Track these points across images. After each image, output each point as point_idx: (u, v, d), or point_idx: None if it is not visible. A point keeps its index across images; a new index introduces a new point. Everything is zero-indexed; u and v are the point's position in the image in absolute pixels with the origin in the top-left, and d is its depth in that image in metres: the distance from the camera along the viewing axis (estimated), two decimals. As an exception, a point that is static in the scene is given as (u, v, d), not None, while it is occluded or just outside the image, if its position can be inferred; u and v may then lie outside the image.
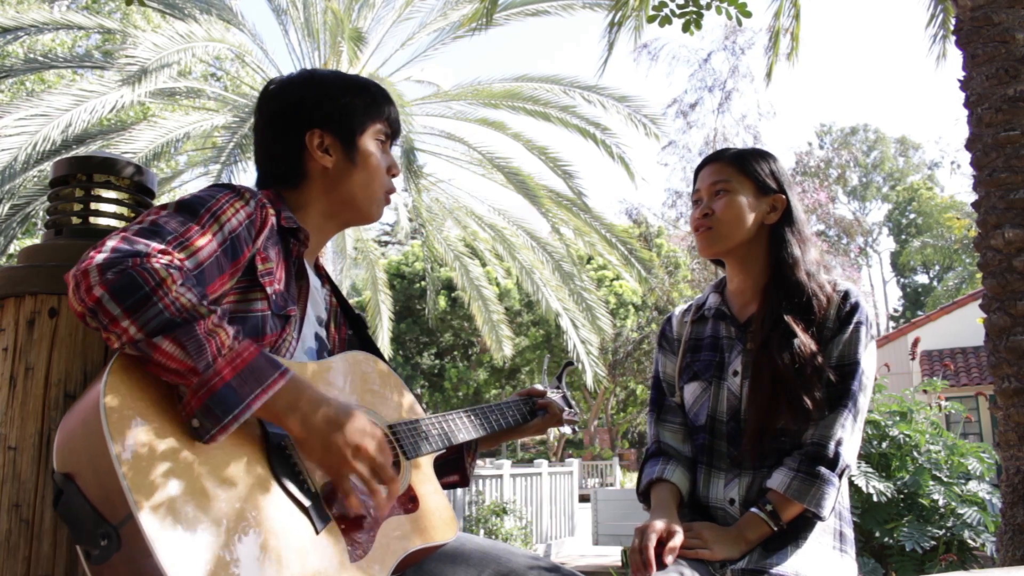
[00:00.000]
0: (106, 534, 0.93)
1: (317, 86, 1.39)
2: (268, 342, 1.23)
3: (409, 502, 1.27)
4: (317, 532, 1.08)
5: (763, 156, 1.69)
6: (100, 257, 1.01)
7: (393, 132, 1.46)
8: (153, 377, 1.03)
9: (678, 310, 1.83)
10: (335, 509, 1.13)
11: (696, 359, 1.69)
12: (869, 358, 1.56)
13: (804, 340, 1.52)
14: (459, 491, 8.45)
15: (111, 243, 1.03)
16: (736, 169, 1.65)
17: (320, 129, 1.36)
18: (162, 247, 1.06)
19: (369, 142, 1.40)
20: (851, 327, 1.55)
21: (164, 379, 1.02)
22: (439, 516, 1.32)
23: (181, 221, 1.13)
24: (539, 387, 1.77)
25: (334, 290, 1.50)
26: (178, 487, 0.96)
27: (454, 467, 1.60)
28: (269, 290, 1.23)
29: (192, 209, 1.16)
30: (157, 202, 1.40)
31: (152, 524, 0.91)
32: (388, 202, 1.46)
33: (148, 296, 0.99)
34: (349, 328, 1.50)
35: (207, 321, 1.02)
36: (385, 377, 1.38)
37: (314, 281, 1.41)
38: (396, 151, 1.48)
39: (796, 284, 1.59)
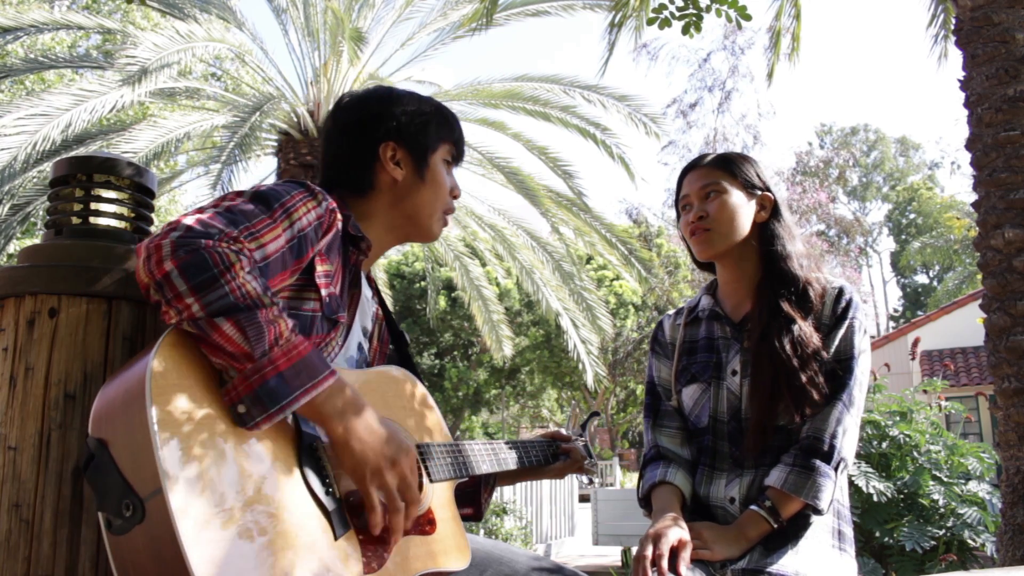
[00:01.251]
0: (131, 505, 0.94)
1: (395, 102, 1.43)
2: (313, 344, 1.22)
3: (427, 524, 1.27)
4: (336, 538, 1.07)
5: (747, 159, 1.73)
6: (175, 234, 1.02)
7: (458, 154, 1.50)
8: (202, 357, 1.03)
9: (669, 314, 1.84)
10: (355, 518, 1.13)
11: (693, 361, 1.70)
12: (864, 354, 1.57)
13: (804, 327, 1.54)
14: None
15: (187, 221, 1.05)
16: (723, 171, 1.68)
17: (395, 143, 1.40)
18: (235, 234, 1.07)
19: (438, 161, 1.43)
20: (846, 323, 1.57)
21: (214, 360, 1.03)
22: (453, 542, 1.31)
23: (255, 212, 1.14)
24: (564, 432, 1.78)
25: (381, 303, 1.50)
26: (210, 471, 0.96)
27: (470, 500, 1.60)
28: (324, 292, 1.24)
29: (267, 201, 1.17)
30: (157, 202, 1.40)
31: (179, 502, 0.91)
32: (447, 223, 1.49)
33: (216, 277, 1.00)
34: (391, 343, 1.51)
35: (269, 311, 1.03)
36: (418, 397, 1.39)
37: (366, 291, 1.42)
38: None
39: (791, 276, 1.61)
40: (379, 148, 1.39)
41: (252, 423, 1.01)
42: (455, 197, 1.49)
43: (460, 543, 1.32)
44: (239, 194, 1.18)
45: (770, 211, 1.68)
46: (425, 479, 1.30)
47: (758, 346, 1.57)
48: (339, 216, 1.28)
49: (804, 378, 1.50)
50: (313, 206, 1.22)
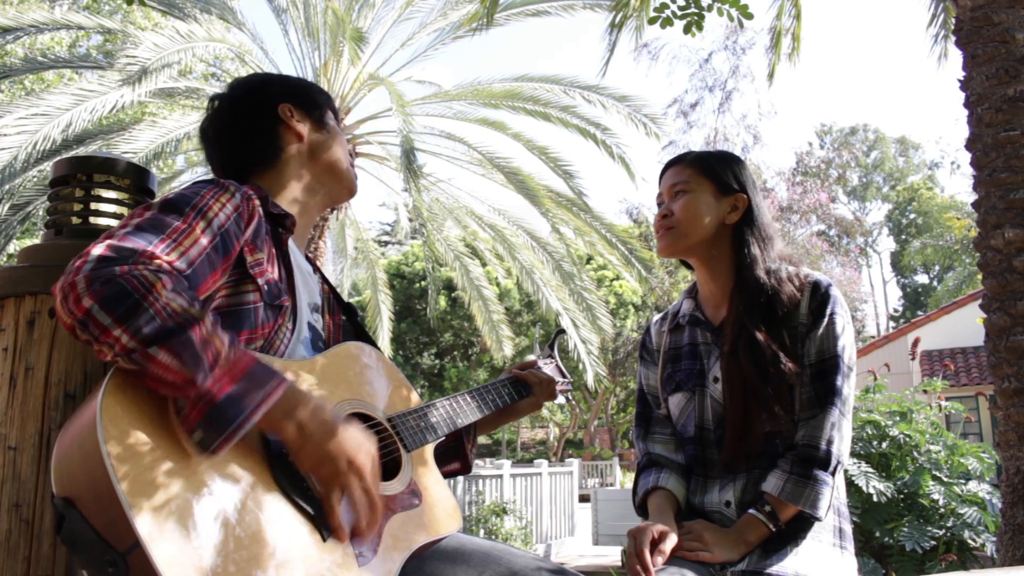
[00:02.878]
0: (113, 561, 0.91)
1: (276, 75, 1.52)
2: (262, 334, 1.21)
3: (413, 497, 1.26)
4: (324, 539, 1.06)
5: (725, 158, 1.69)
6: (87, 267, 0.98)
7: (337, 122, 1.54)
8: (149, 393, 1.00)
9: (655, 319, 1.82)
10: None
11: (677, 369, 1.68)
12: (848, 346, 1.54)
13: (765, 344, 1.51)
14: (459, 491, 8.45)
15: (96, 251, 1.00)
16: (696, 170, 1.65)
17: (290, 103, 1.42)
18: (150, 251, 1.03)
19: (330, 118, 1.48)
20: (825, 319, 1.53)
21: (161, 393, 1.00)
22: (443, 508, 1.30)
23: (167, 221, 1.10)
24: (531, 357, 1.74)
25: (323, 278, 1.49)
26: (185, 509, 0.94)
27: (454, 454, 1.59)
28: (260, 281, 1.22)
29: (177, 207, 1.13)
30: (157, 202, 1.39)
31: (161, 552, 0.89)
32: (356, 174, 1.52)
33: (138, 303, 0.96)
34: (342, 315, 1.49)
35: (201, 327, 1.00)
36: (381, 368, 1.37)
37: (305, 267, 1.40)
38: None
39: (756, 283, 1.57)
40: (278, 109, 1.40)
41: (212, 447, 0.99)
42: (352, 158, 1.53)
43: (449, 506, 1.32)
44: (147, 208, 1.13)
45: (742, 213, 1.63)
46: (401, 451, 1.29)
47: (729, 360, 1.55)
48: (256, 201, 1.26)
49: (769, 396, 1.49)
50: (227, 199, 1.20)
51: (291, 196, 1.39)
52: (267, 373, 1.05)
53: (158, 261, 1.03)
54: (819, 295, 1.56)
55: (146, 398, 1.00)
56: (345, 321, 1.49)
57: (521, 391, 1.66)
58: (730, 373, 1.55)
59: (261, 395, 1.03)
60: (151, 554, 0.88)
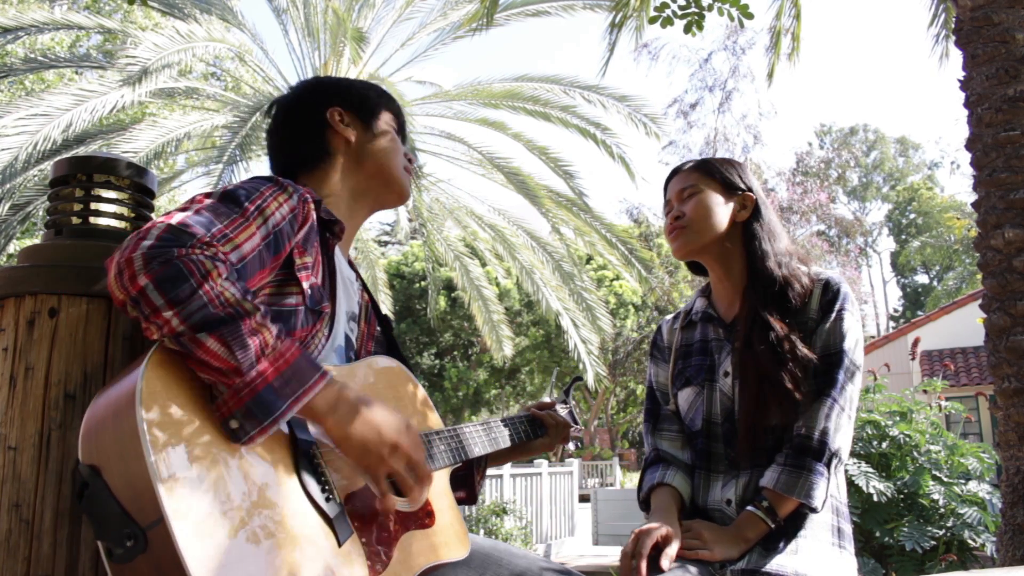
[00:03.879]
0: (132, 535, 0.91)
1: (330, 78, 1.49)
2: (298, 337, 1.22)
3: (426, 517, 1.27)
4: (340, 544, 1.07)
5: (726, 161, 1.74)
6: (145, 244, 0.98)
7: (401, 131, 1.51)
8: (190, 373, 1.01)
9: (667, 319, 1.85)
10: (357, 523, 1.13)
11: (688, 364, 1.70)
12: (855, 343, 1.55)
13: (780, 331, 1.53)
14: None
15: (156, 231, 1.00)
16: (702, 173, 1.69)
17: (340, 107, 1.42)
18: (207, 238, 1.04)
19: (385, 122, 1.46)
20: (833, 315, 1.56)
21: (202, 375, 1.00)
22: (453, 532, 1.31)
23: (226, 213, 1.11)
24: (547, 399, 1.76)
25: (365, 286, 1.50)
26: (212, 494, 0.94)
27: (462, 483, 1.60)
28: (305, 284, 1.22)
29: (237, 200, 1.14)
30: (157, 202, 1.40)
31: (183, 530, 0.89)
32: (410, 182, 1.50)
33: (194, 288, 0.97)
34: (378, 326, 1.49)
35: (252, 319, 1.01)
36: (408, 385, 1.38)
37: (348, 274, 1.41)
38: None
39: (768, 276, 1.61)
40: (326, 113, 1.41)
41: (246, 437, 0.99)
42: (411, 162, 1.50)
43: (459, 531, 1.32)
44: (208, 195, 1.14)
45: (751, 211, 1.68)
46: None
47: (743, 353, 1.57)
48: (312, 204, 1.27)
49: (785, 382, 1.50)
50: (285, 199, 1.20)
51: (338, 200, 1.39)
52: (311, 367, 1.06)
53: (214, 249, 1.03)
54: (830, 292, 1.58)
55: (187, 378, 1.01)
56: (379, 333, 1.49)
57: (537, 430, 1.68)
58: (743, 366, 1.56)
59: (302, 388, 1.03)
60: (174, 532, 0.88)
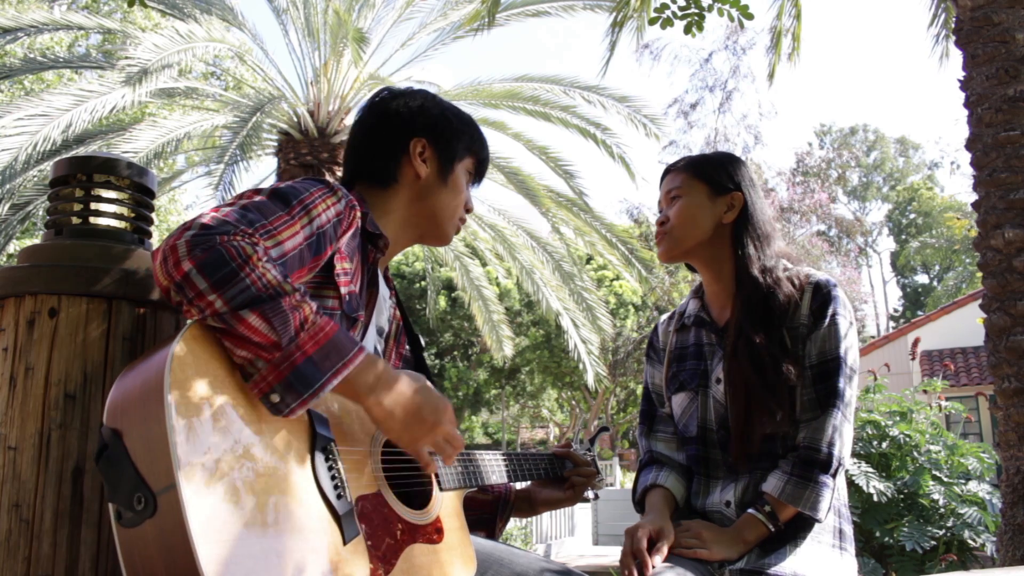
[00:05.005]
0: (143, 498, 0.93)
1: (436, 104, 1.46)
2: (337, 323, 1.22)
3: (435, 533, 1.27)
4: (344, 543, 1.07)
5: (720, 159, 1.70)
6: (189, 233, 1.01)
7: (479, 173, 1.52)
8: (223, 352, 1.03)
9: (663, 319, 1.83)
10: (364, 523, 1.13)
11: (682, 368, 1.68)
12: (851, 347, 1.53)
13: (762, 346, 1.51)
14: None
15: (201, 220, 1.04)
16: (689, 174, 1.67)
17: (427, 140, 1.41)
18: (250, 230, 1.06)
19: (462, 170, 1.45)
20: (827, 320, 1.53)
21: (239, 352, 1.02)
22: (459, 552, 1.31)
23: (272, 209, 1.13)
24: (574, 448, 1.75)
25: (399, 304, 1.50)
26: (224, 470, 0.96)
27: (485, 525, 1.60)
28: (344, 290, 1.23)
29: (285, 199, 1.16)
30: (157, 202, 1.40)
31: (192, 499, 0.91)
32: (459, 231, 1.50)
33: (235, 271, 1.00)
34: (408, 345, 1.50)
35: (292, 297, 1.03)
36: None
37: (383, 290, 1.42)
38: None
39: (751, 282, 1.57)
40: (410, 142, 1.40)
41: (287, 410, 1.01)
42: (468, 211, 1.50)
43: (466, 553, 1.32)
44: (257, 191, 1.17)
45: (738, 211, 1.63)
46: (435, 487, 1.30)
47: (730, 362, 1.56)
48: (358, 213, 1.28)
49: (768, 398, 1.49)
50: (333, 202, 1.21)
51: (390, 222, 1.40)
52: (350, 341, 1.08)
53: (255, 239, 1.06)
54: (820, 295, 1.55)
55: (219, 355, 1.03)
56: (408, 352, 1.50)
57: (558, 469, 1.67)
58: (732, 374, 1.55)
59: (341, 361, 1.06)
60: (183, 499, 0.90)
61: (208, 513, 0.92)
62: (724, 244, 1.63)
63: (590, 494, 1.75)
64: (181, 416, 0.94)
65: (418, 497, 1.29)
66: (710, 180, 1.65)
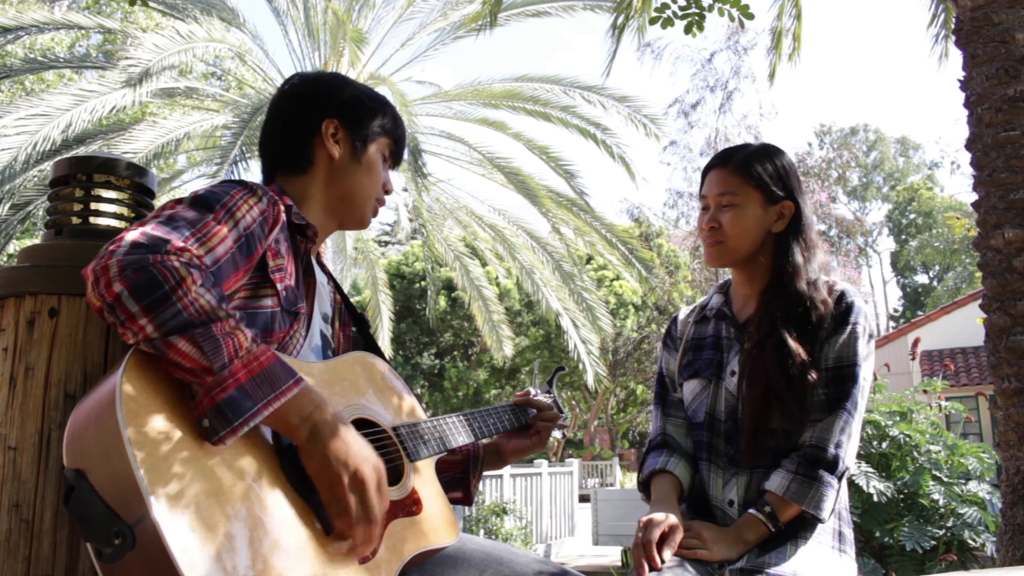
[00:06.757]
0: (120, 532, 0.92)
1: (346, 86, 1.45)
2: (276, 339, 1.23)
3: (413, 505, 1.28)
4: (327, 534, 1.08)
5: (771, 159, 1.65)
6: (120, 252, 0.99)
7: (396, 154, 1.50)
8: (168, 374, 1.02)
9: (684, 310, 1.85)
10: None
11: (698, 357, 1.70)
12: (867, 358, 1.56)
13: (796, 351, 1.52)
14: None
15: (130, 237, 1.02)
16: (742, 179, 1.62)
17: (338, 120, 1.40)
18: (181, 243, 1.05)
19: (376, 150, 1.44)
20: (848, 328, 1.54)
21: (178, 376, 1.02)
22: (441, 518, 1.32)
23: (198, 217, 1.12)
24: (530, 390, 1.74)
25: (337, 287, 1.51)
26: (195, 487, 0.95)
27: (459, 484, 1.60)
28: (280, 286, 1.23)
29: (208, 204, 1.15)
30: (157, 202, 1.40)
31: (169, 524, 0.90)
32: (376, 213, 1.49)
33: (167, 295, 0.98)
34: (353, 326, 1.50)
35: (225, 323, 1.02)
36: (388, 379, 1.39)
37: (320, 277, 1.42)
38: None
39: (796, 294, 1.57)
40: (321, 123, 1.39)
41: (216, 437, 0.99)
42: (387, 192, 1.49)
43: (448, 517, 1.34)
44: (179, 201, 1.15)
45: (787, 222, 1.63)
46: (404, 460, 1.30)
47: (753, 355, 1.57)
48: (282, 208, 1.28)
49: (791, 399, 1.50)
50: (255, 202, 1.21)
51: (311, 209, 1.39)
52: (285, 372, 1.06)
53: (189, 254, 1.04)
54: (844, 304, 1.57)
55: (165, 378, 1.02)
56: (355, 332, 1.50)
57: (522, 417, 1.66)
58: (751, 368, 1.56)
59: (273, 392, 1.03)
60: (160, 525, 0.89)
61: (187, 534, 0.91)
62: (767, 251, 1.64)
63: (557, 434, 1.73)
64: (140, 443, 0.93)
65: (391, 473, 1.27)
66: (764, 188, 1.62)
